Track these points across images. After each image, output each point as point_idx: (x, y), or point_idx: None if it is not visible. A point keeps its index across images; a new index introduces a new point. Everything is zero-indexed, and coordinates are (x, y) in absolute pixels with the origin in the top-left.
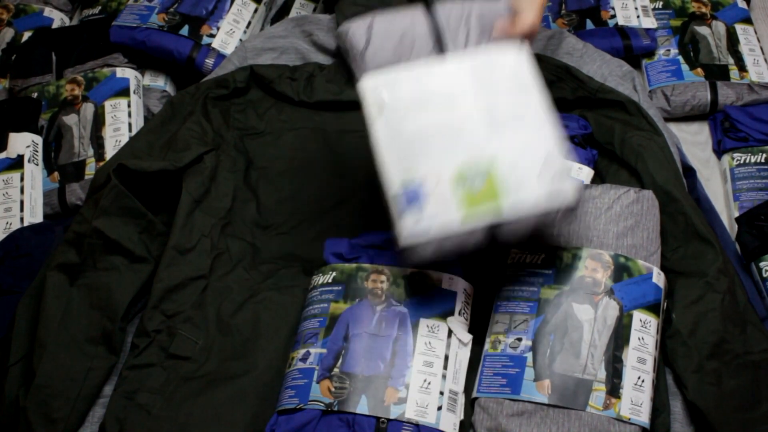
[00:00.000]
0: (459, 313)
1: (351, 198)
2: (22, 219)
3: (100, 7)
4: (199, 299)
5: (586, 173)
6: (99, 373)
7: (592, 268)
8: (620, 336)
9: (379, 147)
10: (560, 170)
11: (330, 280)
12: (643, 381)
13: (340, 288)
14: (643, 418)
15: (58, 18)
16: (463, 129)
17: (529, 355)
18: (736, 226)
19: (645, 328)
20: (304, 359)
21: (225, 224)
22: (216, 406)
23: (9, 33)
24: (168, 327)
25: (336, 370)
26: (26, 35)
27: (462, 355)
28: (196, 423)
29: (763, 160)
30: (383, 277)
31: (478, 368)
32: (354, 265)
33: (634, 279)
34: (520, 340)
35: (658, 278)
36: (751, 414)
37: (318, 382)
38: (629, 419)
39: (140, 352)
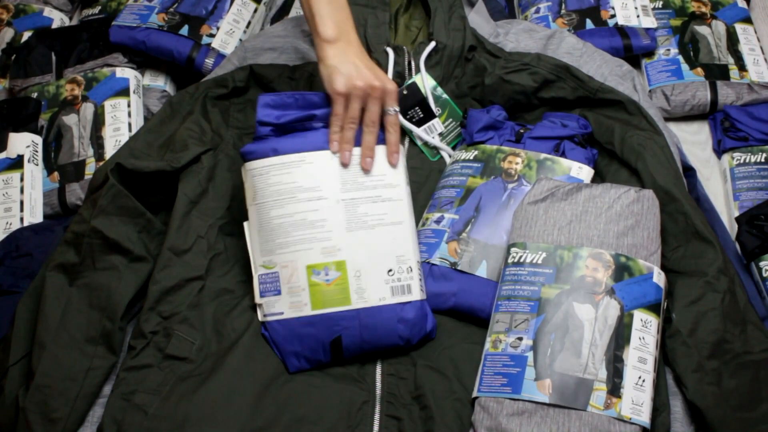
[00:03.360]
0: None
1: None
2: (22, 219)
3: (99, 7)
4: (195, 300)
5: (586, 172)
6: (98, 373)
7: (593, 267)
8: (621, 336)
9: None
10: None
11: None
12: (643, 381)
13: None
14: (644, 417)
15: (57, 18)
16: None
17: (530, 355)
18: (736, 226)
19: (646, 328)
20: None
21: (223, 224)
22: (212, 404)
23: (9, 33)
24: (164, 328)
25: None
26: (26, 35)
27: None
28: (192, 421)
29: (763, 160)
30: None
31: (479, 368)
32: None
33: (635, 279)
34: (520, 339)
35: (659, 278)
36: (751, 414)
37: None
38: (630, 419)
39: (137, 353)
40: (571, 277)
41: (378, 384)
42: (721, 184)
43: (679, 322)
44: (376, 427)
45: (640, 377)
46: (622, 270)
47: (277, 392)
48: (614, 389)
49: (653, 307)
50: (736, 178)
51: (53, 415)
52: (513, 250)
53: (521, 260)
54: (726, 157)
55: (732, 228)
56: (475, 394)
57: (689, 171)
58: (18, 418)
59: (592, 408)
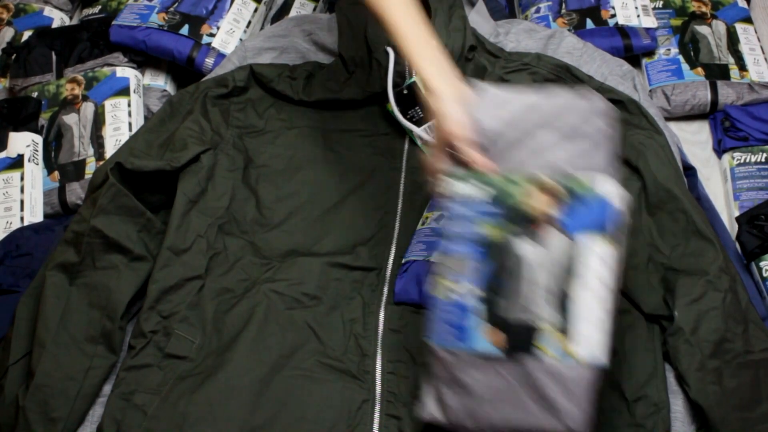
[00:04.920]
0: None
1: (350, 196)
2: (22, 218)
3: (100, 7)
4: (195, 299)
5: None
6: (98, 372)
7: (538, 199)
8: (571, 272)
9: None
10: None
11: None
12: (598, 317)
13: None
14: (599, 356)
15: (58, 17)
16: None
17: (478, 303)
18: (736, 226)
19: (599, 259)
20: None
21: (223, 223)
22: (211, 403)
23: (9, 32)
24: (164, 327)
25: None
26: (26, 35)
27: None
28: (191, 421)
29: (763, 160)
30: None
31: (431, 311)
32: None
33: (585, 205)
34: (467, 286)
35: (615, 198)
36: (752, 413)
37: None
38: (584, 359)
39: (137, 353)
40: (516, 214)
41: (378, 383)
42: (721, 183)
43: (681, 320)
44: (375, 427)
45: (593, 314)
46: (570, 199)
47: (276, 391)
48: (566, 331)
49: (606, 233)
50: (737, 178)
51: (53, 415)
52: (456, 183)
53: (465, 195)
54: (726, 156)
55: (732, 228)
56: (428, 340)
57: (689, 170)
58: (18, 418)
59: (545, 354)
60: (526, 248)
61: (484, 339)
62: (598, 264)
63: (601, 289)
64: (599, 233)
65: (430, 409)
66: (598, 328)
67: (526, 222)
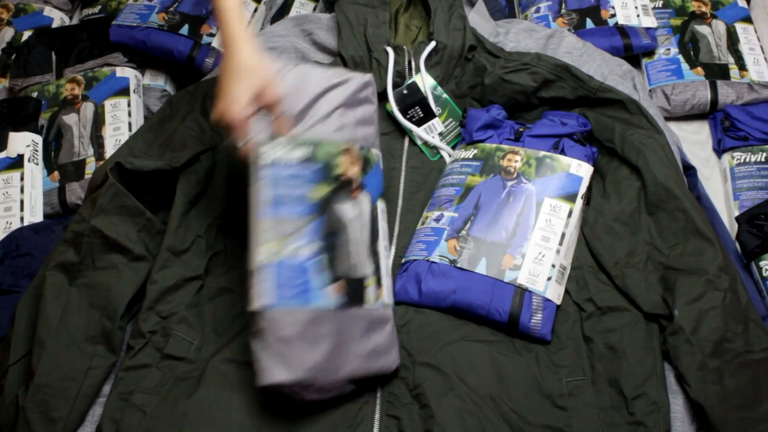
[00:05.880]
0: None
1: None
2: (22, 218)
3: (100, 7)
4: (194, 299)
5: (586, 169)
6: (98, 372)
7: (347, 163)
8: (374, 229)
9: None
10: None
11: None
12: (387, 266)
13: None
14: (391, 297)
15: (58, 17)
16: None
17: (312, 263)
18: (736, 226)
19: (383, 216)
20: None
21: (222, 223)
22: (210, 405)
23: (9, 32)
24: (163, 328)
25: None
26: (26, 34)
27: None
28: (191, 421)
29: (763, 159)
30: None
31: (258, 277)
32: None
33: (374, 170)
34: (299, 248)
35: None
36: (752, 413)
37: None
38: (388, 303)
39: (135, 353)
40: (331, 177)
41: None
42: (721, 183)
43: (681, 319)
44: (376, 427)
45: (386, 264)
46: (365, 163)
47: (276, 392)
48: (378, 281)
49: (383, 195)
50: (736, 178)
51: (53, 415)
52: (262, 149)
53: (282, 159)
54: (726, 156)
55: (732, 227)
56: (258, 305)
57: (689, 170)
58: (18, 418)
59: (367, 303)
60: (348, 209)
61: (327, 294)
62: (383, 222)
63: (386, 241)
64: (382, 196)
65: (275, 373)
66: (389, 275)
67: (343, 185)
